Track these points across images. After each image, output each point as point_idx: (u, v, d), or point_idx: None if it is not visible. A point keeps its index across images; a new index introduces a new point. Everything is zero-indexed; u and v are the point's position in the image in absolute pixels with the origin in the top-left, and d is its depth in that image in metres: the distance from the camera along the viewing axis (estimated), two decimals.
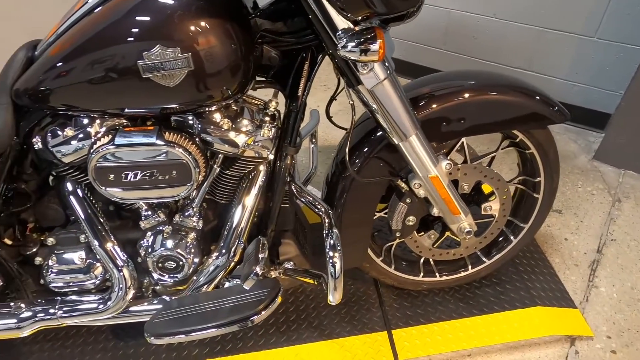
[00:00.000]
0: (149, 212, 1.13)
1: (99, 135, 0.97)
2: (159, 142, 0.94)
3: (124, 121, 1.00)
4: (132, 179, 0.97)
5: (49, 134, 1.01)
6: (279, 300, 1.07)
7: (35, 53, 1.00)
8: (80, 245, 1.15)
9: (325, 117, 1.20)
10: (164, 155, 0.95)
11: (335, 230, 0.99)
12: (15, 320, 1.15)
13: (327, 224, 1.00)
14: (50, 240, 1.15)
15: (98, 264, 1.17)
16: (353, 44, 0.84)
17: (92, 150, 0.95)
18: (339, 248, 0.97)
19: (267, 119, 1.07)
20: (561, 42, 2.09)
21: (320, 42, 0.99)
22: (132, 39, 0.83)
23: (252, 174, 1.13)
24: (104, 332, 1.46)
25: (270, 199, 1.16)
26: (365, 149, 1.15)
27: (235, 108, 1.04)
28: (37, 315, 1.15)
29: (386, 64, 0.95)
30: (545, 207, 1.36)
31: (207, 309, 1.06)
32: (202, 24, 0.84)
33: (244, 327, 1.05)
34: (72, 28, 0.91)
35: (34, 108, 1.00)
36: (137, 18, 0.83)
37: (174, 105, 0.93)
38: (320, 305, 1.50)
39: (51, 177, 1.14)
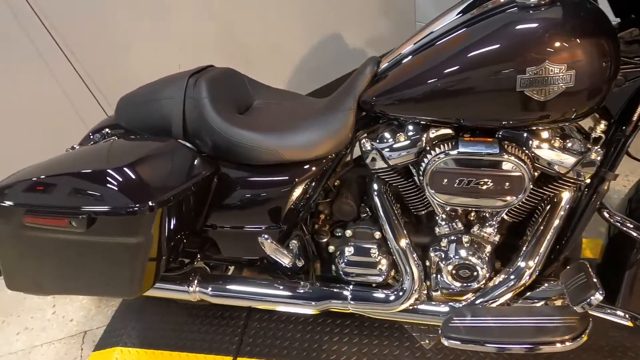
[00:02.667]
0: (446, 220, 1.18)
1: (437, 143, 1.04)
2: (502, 153, 0.98)
3: (451, 131, 1.07)
4: (464, 186, 1.02)
5: (378, 139, 1.13)
6: (585, 337, 1.01)
7: (379, 69, 1.11)
8: (374, 241, 1.25)
9: None
10: (502, 166, 0.98)
11: None
12: (308, 298, 1.30)
13: None
14: (348, 233, 1.27)
15: (385, 261, 1.25)
16: None
17: (431, 156, 1.03)
18: None
19: (592, 142, 1.04)
20: None
21: None
22: (519, 55, 0.87)
23: (556, 197, 1.11)
24: (349, 327, 1.56)
25: (571, 226, 1.12)
26: None
27: (561, 127, 1.03)
28: (330, 298, 1.28)
29: None
30: None
31: (508, 325, 1.05)
32: (587, 43, 0.85)
33: (546, 352, 1.02)
34: (433, 46, 0.99)
35: (374, 114, 1.13)
36: (523, 36, 0.88)
37: (531, 119, 0.95)
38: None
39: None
